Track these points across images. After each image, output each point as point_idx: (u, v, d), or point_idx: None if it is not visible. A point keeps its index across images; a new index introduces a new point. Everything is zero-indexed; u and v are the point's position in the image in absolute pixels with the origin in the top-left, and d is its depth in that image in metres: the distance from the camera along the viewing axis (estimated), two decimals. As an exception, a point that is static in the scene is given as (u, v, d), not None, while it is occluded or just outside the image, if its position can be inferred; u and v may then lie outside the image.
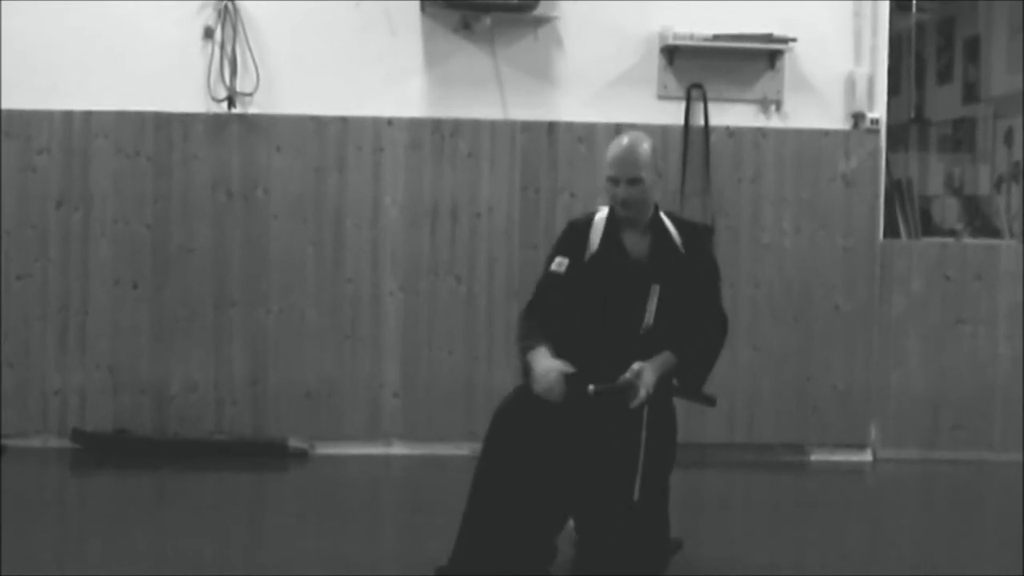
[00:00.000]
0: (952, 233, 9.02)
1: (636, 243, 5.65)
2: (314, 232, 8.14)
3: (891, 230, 8.55)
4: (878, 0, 8.32)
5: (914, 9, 9.80)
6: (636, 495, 5.39)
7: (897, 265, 8.38)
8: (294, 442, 8.09)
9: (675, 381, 5.63)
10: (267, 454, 8.04)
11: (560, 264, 5.64)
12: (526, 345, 5.60)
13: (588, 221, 5.71)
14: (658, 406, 5.48)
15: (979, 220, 9.60)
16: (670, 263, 5.62)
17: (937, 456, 8.35)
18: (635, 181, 5.56)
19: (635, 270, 5.60)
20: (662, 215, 5.71)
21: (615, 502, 5.43)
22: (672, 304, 5.57)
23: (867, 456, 8.36)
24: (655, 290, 5.55)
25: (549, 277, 5.67)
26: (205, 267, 8.11)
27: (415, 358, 8.19)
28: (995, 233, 9.24)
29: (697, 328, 5.61)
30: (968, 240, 8.76)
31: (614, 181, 5.58)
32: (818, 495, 7.56)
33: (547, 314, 5.62)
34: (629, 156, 5.57)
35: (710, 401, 5.74)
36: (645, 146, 5.61)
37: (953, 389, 8.37)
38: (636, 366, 5.38)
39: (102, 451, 7.98)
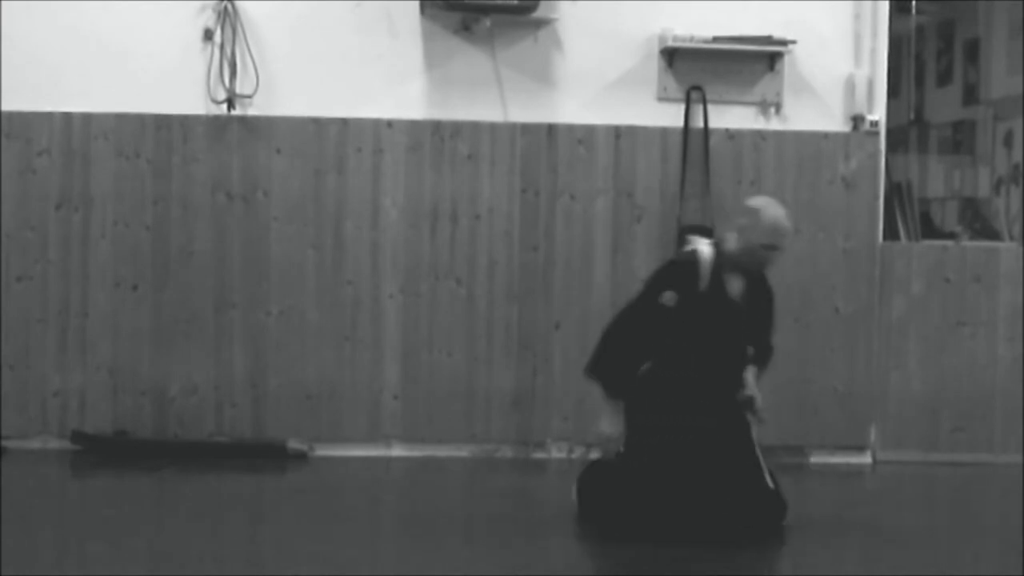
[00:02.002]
0: (952, 235, 9.02)
1: (737, 284, 6.51)
2: (314, 234, 8.15)
3: (891, 232, 8.56)
4: (878, 2, 8.33)
5: (914, 11, 9.81)
6: (770, 483, 6.50)
7: (897, 267, 8.38)
8: (294, 444, 8.09)
9: None
10: (267, 456, 8.04)
11: (671, 299, 6.41)
12: (607, 380, 6.52)
13: (695, 261, 6.47)
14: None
15: (979, 222, 9.60)
16: (762, 299, 6.60)
17: (937, 458, 8.35)
18: (781, 249, 6.53)
19: (737, 308, 6.50)
20: None
21: (750, 487, 6.48)
22: (759, 334, 6.62)
23: (867, 458, 8.36)
24: (749, 324, 6.55)
25: (656, 308, 6.43)
26: (205, 269, 8.11)
27: (415, 360, 8.19)
28: (995, 235, 9.24)
29: (762, 348, 6.66)
30: (968, 242, 8.76)
31: (771, 248, 6.45)
32: (818, 497, 7.56)
33: (639, 344, 6.48)
34: (786, 228, 6.48)
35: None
36: (788, 217, 6.54)
37: (953, 391, 8.37)
38: (749, 381, 6.53)
39: (102, 453, 7.99)
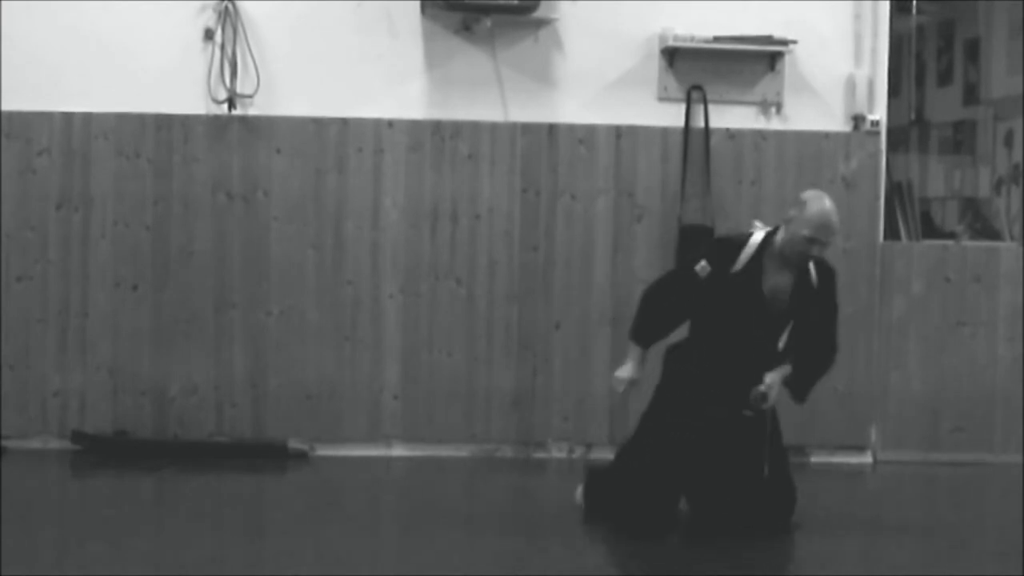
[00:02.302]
0: (952, 235, 9.02)
1: (782, 278, 6.49)
2: (314, 234, 8.14)
3: (891, 232, 8.55)
4: (878, 2, 8.33)
5: (914, 11, 9.80)
6: (766, 472, 6.50)
7: (897, 267, 8.38)
8: (294, 444, 8.09)
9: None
10: (267, 456, 8.04)
11: (703, 269, 6.47)
12: (634, 331, 6.67)
13: (741, 243, 6.50)
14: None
15: (979, 222, 9.60)
16: (807, 300, 6.51)
17: (937, 458, 8.35)
18: (828, 245, 6.45)
19: (776, 303, 6.48)
20: None
21: (749, 478, 6.52)
22: (802, 332, 6.53)
23: (867, 458, 8.36)
24: (790, 324, 6.52)
25: (688, 274, 6.53)
26: (205, 269, 8.11)
27: (415, 360, 8.19)
28: (995, 235, 9.24)
29: (815, 352, 6.58)
30: (968, 242, 8.76)
31: (812, 241, 6.37)
32: (818, 497, 7.55)
33: (668, 306, 6.60)
34: (832, 223, 6.41)
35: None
36: (836, 212, 6.45)
37: (953, 391, 8.37)
38: (769, 379, 6.45)
39: (102, 453, 7.98)
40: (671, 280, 6.72)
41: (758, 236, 6.55)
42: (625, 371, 6.67)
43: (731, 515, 6.54)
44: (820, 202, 6.43)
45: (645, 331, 6.69)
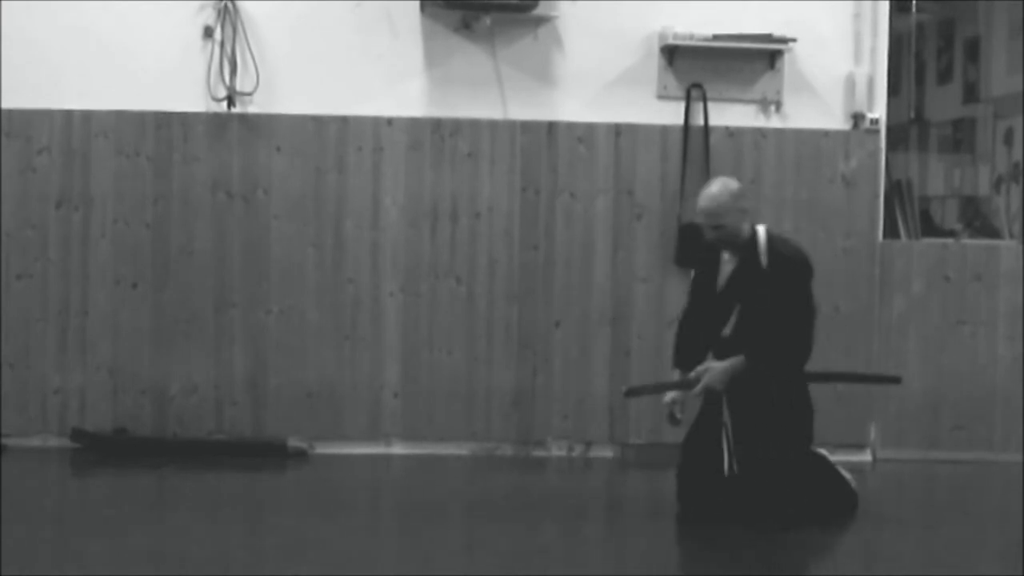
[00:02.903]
0: (952, 234, 9.02)
1: (729, 267, 6.75)
2: (314, 233, 8.15)
3: (891, 231, 8.55)
4: (878, 0, 8.32)
5: (914, 9, 9.80)
6: (731, 468, 6.60)
7: (897, 266, 8.38)
8: (294, 442, 8.09)
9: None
10: (267, 454, 8.04)
11: (693, 275, 7.03)
12: (675, 359, 6.99)
13: (707, 244, 6.81)
14: (750, 394, 6.61)
15: (979, 221, 9.60)
16: (752, 283, 6.65)
17: (937, 457, 8.35)
18: (718, 227, 6.62)
19: (724, 289, 6.74)
20: (759, 238, 6.70)
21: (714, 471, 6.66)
22: (754, 317, 6.62)
23: (867, 456, 8.36)
24: (736, 307, 6.68)
25: (692, 287, 7.06)
26: (205, 268, 8.11)
27: (415, 359, 8.19)
28: (995, 234, 9.24)
29: (775, 343, 6.60)
30: (968, 241, 8.76)
31: (704, 226, 6.69)
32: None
33: (689, 317, 6.96)
34: (711, 206, 6.63)
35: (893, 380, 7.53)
36: (726, 195, 6.64)
37: (953, 390, 8.37)
38: (701, 367, 6.67)
39: (102, 451, 7.99)
40: (688, 300, 7.09)
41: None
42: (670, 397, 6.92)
43: (708, 506, 6.71)
44: (707, 188, 6.77)
45: (680, 355, 6.97)
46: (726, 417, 6.66)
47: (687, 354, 6.89)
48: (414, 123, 8.16)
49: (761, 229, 6.76)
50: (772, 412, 6.63)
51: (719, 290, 6.79)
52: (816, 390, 8.16)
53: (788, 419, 6.68)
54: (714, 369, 6.64)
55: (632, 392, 7.28)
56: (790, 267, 6.66)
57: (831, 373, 7.25)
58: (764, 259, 6.63)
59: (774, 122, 8.29)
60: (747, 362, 6.60)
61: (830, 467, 6.95)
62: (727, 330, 6.72)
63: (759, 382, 6.60)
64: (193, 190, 8.10)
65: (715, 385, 6.62)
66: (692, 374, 6.71)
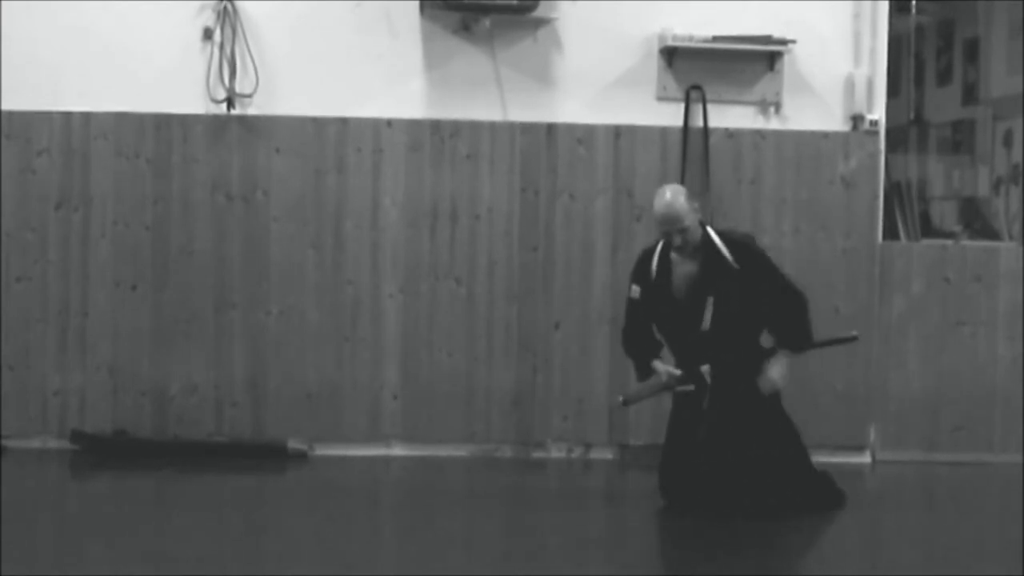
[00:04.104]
0: (951, 235, 9.02)
1: (687, 267, 6.92)
2: (314, 234, 8.15)
3: (890, 232, 8.55)
4: (877, 1, 8.33)
5: (913, 11, 9.81)
6: (702, 436, 6.86)
7: (897, 267, 8.38)
8: (294, 443, 8.09)
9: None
10: (267, 456, 8.04)
11: (635, 292, 7.08)
12: (635, 361, 7.18)
13: (651, 252, 7.05)
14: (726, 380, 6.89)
15: (978, 222, 9.60)
16: (722, 278, 6.85)
17: (937, 458, 8.35)
18: (682, 230, 6.83)
19: (690, 290, 6.90)
20: (711, 235, 6.93)
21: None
22: (729, 309, 6.85)
23: (866, 458, 8.36)
24: (710, 301, 6.85)
25: (629, 303, 7.12)
26: (205, 269, 8.11)
27: (415, 360, 8.19)
28: (994, 235, 9.24)
29: (786, 315, 6.94)
30: (967, 242, 8.76)
31: (666, 233, 6.88)
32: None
33: (636, 331, 7.10)
34: (669, 213, 6.83)
35: (850, 339, 7.38)
36: (681, 199, 6.85)
37: (953, 391, 8.37)
38: (769, 382, 6.94)
39: (101, 452, 7.98)
40: (627, 317, 7.19)
41: (662, 240, 7.02)
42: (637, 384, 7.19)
43: (690, 496, 6.91)
44: (659, 197, 6.93)
45: (635, 359, 7.21)
46: (705, 403, 6.90)
47: (650, 350, 7.12)
48: (414, 124, 8.16)
49: (708, 228, 7.02)
50: (753, 399, 6.94)
51: (684, 291, 6.94)
52: (816, 392, 8.21)
53: (767, 405, 7.00)
54: (776, 367, 6.95)
55: (628, 401, 7.31)
56: (753, 253, 7.00)
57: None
58: (729, 256, 6.89)
59: (773, 123, 8.30)
60: (793, 349, 7.00)
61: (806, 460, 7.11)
62: (704, 324, 6.88)
63: (739, 370, 6.91)
64: (193, 191, 8.10)
65: (780, 383, 6.98)
66: (703, 369, 6.93)
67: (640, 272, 7.08)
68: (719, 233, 6.99)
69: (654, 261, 7.01)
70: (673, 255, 6.96)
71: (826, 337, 7.29)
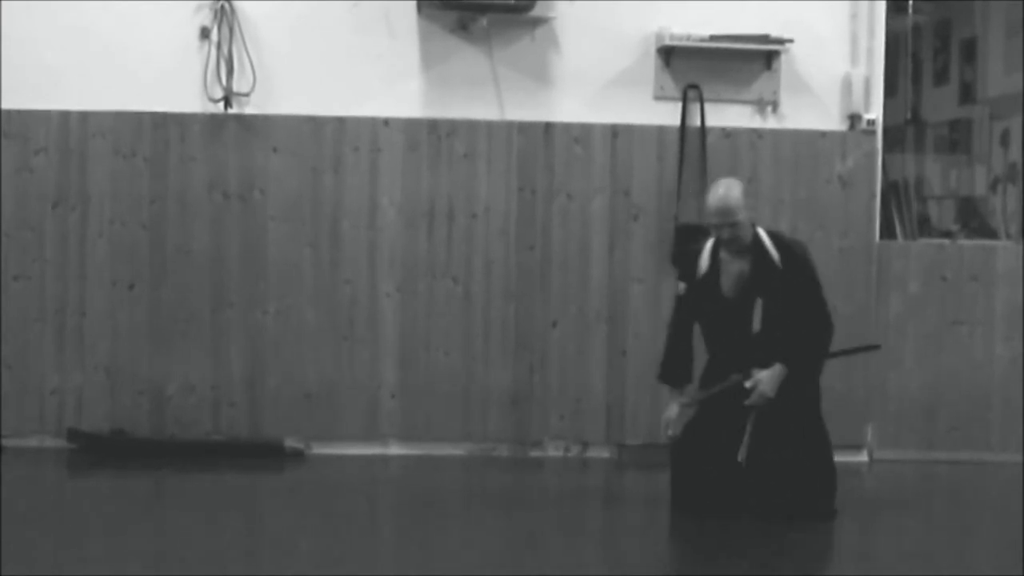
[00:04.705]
0: (948, 234, 9.02)
1: (737, 266, 6.84)
2: (311, 233, 8.15)
3: (888, 231, 8.56)
4: (874, 1, 8.33)
5: (910, 10, 9.82)
6: (742, 456, 6.72)
7: (894, 266, 8.38)
8: (291, 443, 8.09)
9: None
10: (264, 455, 8.04)
11: (681, 288, 6.99)
12: (663, 375, 7.08)
13: (700, 249, 6.93)
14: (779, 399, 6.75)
15: (976, 221, 9.61)
16: (770, 278, 6.78)
17: (934, 457, 8.35)
18: (733, 225, 6.73)
19: (739, 290, 6.82)
20: (761, 235, 6.84)
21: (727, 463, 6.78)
22: (777, 311, 6.76)
23: (864, 457, 8.37)
24: (758, 303, 6.77)
25: (677, 300, 7.07)
26: (202, 268, 8.11)
27: (412, 359, 8.19)
28: (991, 234, 9.25)
29: (803, 333, 6.78)
30: (964, 241, 8.77)
31: (717, 227, 6.77)
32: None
33: (684, 335, 7.00)
34: (724, 205, 6.72)
35: (872, 348, 7.55)
36: (735, 192, 6.76)
37: (950, 390, 8.37)
38: (753, 381, 6.73)
39: (99, 451, 7.98)
40: (674, 314, 7.11)
41: (712, 239, 6.93)
42: (667, 411, 7.01)
43: (711, 498, 6.79)
44: (714, 190, 6.84)
45: (667, 370, 7.06)
46: (754, 414, 6.76)
47: (677, 369, 7.02)
48: (411, 124, 8.16)
49: (760, 228, 6.89)
50: (794, 402, 6.80)
51: (733, 291, 6.86)
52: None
53: (807, 408, 6.89)
54: (765, 380, 6.73)
55: (694, 403, 7.05)
56: (800, 258, 6.88)
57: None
58: (776, 257, 6.80)
59: (771, 123, 8.30)
60: (789, 365, 6.75)
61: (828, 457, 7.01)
62: (756, 327, 6.80)
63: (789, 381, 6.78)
64: (190, 190, 8.10)
65: (770, 394, 6.73)
66: (747, 384, 6.75)
67: (687, 269, 7.00)
68: (770, 234, 6.92)
69: (704, 259, 6.90)
70: (723, 254, 6.87)
71: (847, 346, 7.29)
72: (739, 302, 6.83)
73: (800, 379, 6.80)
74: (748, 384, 6.73)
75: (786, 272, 6.79)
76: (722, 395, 6.85)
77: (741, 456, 6.70)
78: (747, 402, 6.72)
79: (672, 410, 6.96)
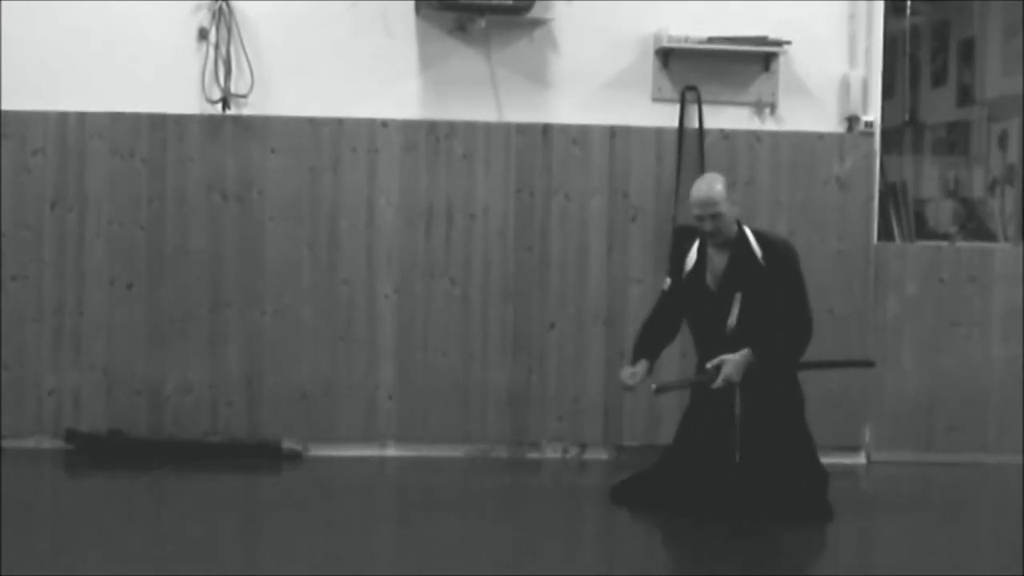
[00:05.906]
0: (946, 236, 9.03)
1: (719, 261, 6.95)
2: (309, 233, 8.15)
3: (885, 233, 8.56)
4: (873, 2, 8.34)
5: (908, 12, 9.81)
6: (738, 457, 6.77)
7: (891, 268, 8.39)
8: (288, 443, 8.09)
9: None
10: (262, 456, 8.04)
11: (667, 284, 7.14)
12: (634, 351, 7.19)
13: (688, 247, 7.04)
14: (760, 387, 6.77)
15: (973, 223, 9.60)
16: (750, 274, 6.86)
17: (931, 459, 8.36)
18: (715, 216, 6.84)
19: (720, 282, 6.91)
20: (746, 232, 6.94)
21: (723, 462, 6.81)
22: (756, 307, 6.83)
23: (861, 458, 8.37)
24: (737, 297, 6.85)
25: (660, 294, 7.22)
26: (200, 268, 8.11)
27: (410, 360, 8.19)
28: (989, 236, 9.25)
29: (778, 328, 6.80)
30: (962, 243, 8.77)
31: (699, 218, 6.89)
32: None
33: (657, 322, 7.15)
34: (707, 196, 6.86)
35: (865, 364, 7.64)
36: (718, 185, 6.88)
37: (947, 392, 8.38)
38: (717, 360, 6.78)
39: (96, 452, 7.98)
40: (655, 305, 7.25)
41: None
42: (625, 375, 7.09)
43: (703, 499, 6.77)
44: (697, 183, 7.00)
45: (637, 350, 7.18)
46: (738, 408, 6.77)
47: (643, 345, 7.14)
48: (409, 125, 8.16)
49: (746, 227, 7.00)
50: (779, 406, 6.85)
51: (714, 285, 6.94)
52: (810, 392, 8.19)
53: (791, 412, 6.90)
54: (730, 362, 6.77)
55: (661, 389, 7.17)
56: (784, 257, 6.93)
57: (807, 362, 7.16)
58: (759, 252, 6.89)
59: (769, 124, 8.31)
60: (757, 354, 6.77)
61: (815, 461, 7.00)
62: (731, 321, 6.86)
63: (767, 375, 6.79)
64: (188, 191, 8.10)
65: (734, 377, 6.75)
66: (708, 366, 6.83)
67: (676, 264, 7.12)
68: (755, 232, 7.01)
69: (691, 254, 7.02)
70: (709, 249, 6.97)
71: (842, 358, 7.31)
72: (720, 296, 6.91)
73: (772, 375, 6.80)
74: (709, 365, 6.81)
75: (768, 269, 6.87)
76: (693, 387, 7.00)
77: (738, 456, 6.74)
78: (712, 385, 6.77)
79: (624, 372, 7.08)
